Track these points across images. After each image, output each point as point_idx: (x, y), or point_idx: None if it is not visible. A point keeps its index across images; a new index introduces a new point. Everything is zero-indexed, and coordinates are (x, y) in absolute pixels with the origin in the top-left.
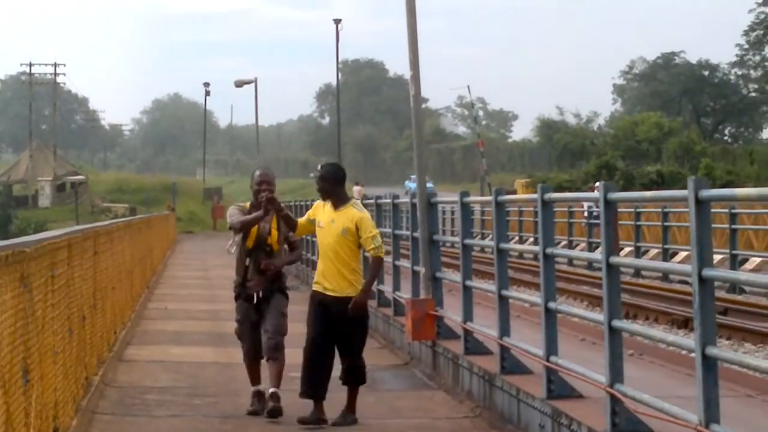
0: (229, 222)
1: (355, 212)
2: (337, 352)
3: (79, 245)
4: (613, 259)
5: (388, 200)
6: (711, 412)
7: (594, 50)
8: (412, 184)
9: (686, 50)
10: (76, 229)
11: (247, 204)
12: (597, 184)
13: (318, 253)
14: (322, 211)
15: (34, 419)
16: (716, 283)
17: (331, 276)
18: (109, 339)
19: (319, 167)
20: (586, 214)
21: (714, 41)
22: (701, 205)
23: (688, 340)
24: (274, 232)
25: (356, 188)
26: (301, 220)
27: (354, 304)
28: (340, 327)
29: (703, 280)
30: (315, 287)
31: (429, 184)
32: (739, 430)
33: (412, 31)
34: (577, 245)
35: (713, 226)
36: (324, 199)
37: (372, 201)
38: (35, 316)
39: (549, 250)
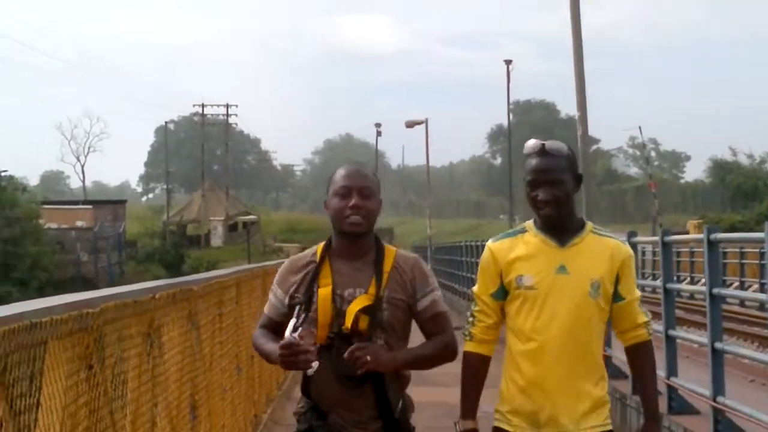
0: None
1: (612, 244)
2: None
3: (247, 284)
4: None
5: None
6: None
7: None
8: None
9: None
10: (245, 268)
11: (319, 248)
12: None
13: (513, 340)
14: (525, 257)
15: None
16: None
17: (560, 389)
18: (278, 377)
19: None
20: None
21: None
22: None
23: None
24: (361, 302)
25: None
26: (483, 302)
27: None
28: None
29: None
30: (511, 420)
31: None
32: None
33: (579, 72)
34: (750, 286)
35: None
36: (561, 218)
37: None
38: (203, 354)
39: (716, 290)
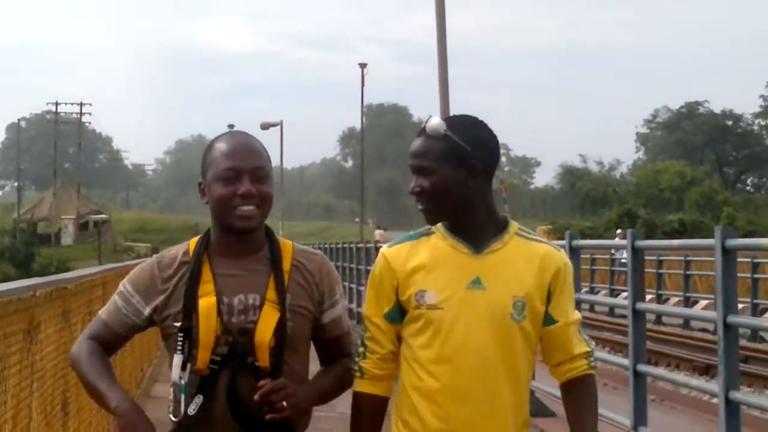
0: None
1: (543, 250)
2: None
3: (113, 283)
4: (640, 305)
5: None
6: None
7: (618, 98)
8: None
9: (710, 100)
10: (110, 267)
11: (191, 245)
12: (619, 231)
13: (409, 374)
14: (428, 267)
15: None
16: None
17: (477, 415)
18: (137, 376)
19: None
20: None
21: (737, 92)
22: (727, 253)
23: (712, 384)
24: (268, 323)
25: (378, 232)
26: (376, 327)
27: None
28: None
29: (728, 326)
30: None
31: (377, 231)
32: None
33: (443, 78)
34: (599, 291)
35: (669, 271)
36: (439, 215)
37: None
38: None
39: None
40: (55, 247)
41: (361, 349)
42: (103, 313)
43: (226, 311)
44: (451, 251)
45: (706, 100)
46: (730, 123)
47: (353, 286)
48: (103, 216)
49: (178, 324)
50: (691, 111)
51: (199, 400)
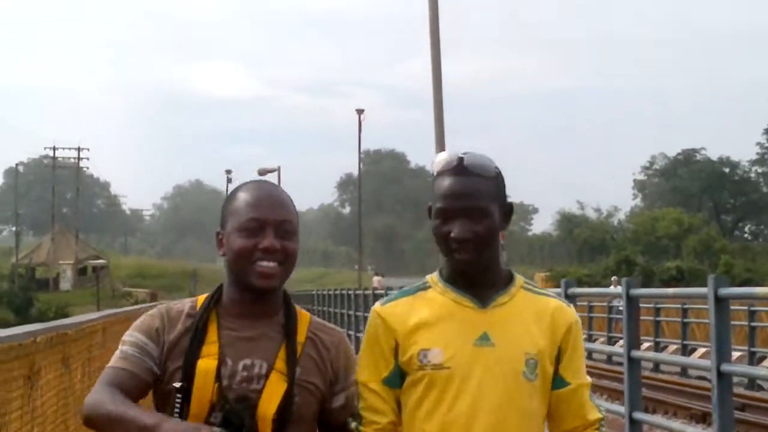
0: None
1: (552, 306)
2: None
3: (112, 328)
4: (635, 353)
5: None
6: None
7: (615, 145)
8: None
9: (707, 147)
10: (110, 313)
11: (200, 301)
12: (614, 278)
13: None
14: (430, 323)
15: None
16: (735, 380)
17: None
18: None
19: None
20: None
21: (734, 139)
22: (720, 302)
23: None
24: (273, 395)
25: (376, 278)
26: (374, 394)
27: None
28: None
29: (721, 375)
30: None
31: (375, 277)
32: None
33: (439, 124)
34: (596, 339)
35: (733, 323)
36: (479, 266)
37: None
38: (75, 396)
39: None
40: (54, 292)
41: (353, 424)
42: (113, 362)
43: (228, 375)
44: (453, 306)
45: (702, 148)
46: (727, 170)
47: (351, 332)
48: (101, 261)
49: (177, 384)
50: (688, 158)
51: None
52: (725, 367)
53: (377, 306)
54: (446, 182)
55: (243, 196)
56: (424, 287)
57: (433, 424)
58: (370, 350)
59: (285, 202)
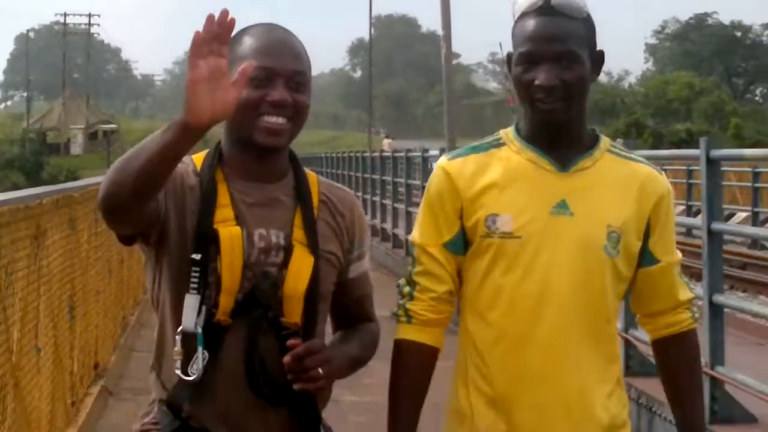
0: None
1: (643, 172)
2: None
3: None
4: (716, 226)
5: (418, 153)
6: None
7: (627, 9)
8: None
9: (719, 11)
10: None
11: (198, 160)
12: (619, 140)
13: (475, 322)
14: (502, 186)
15: (78, 353)
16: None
17: (556, 401)
18: (144, 281)
19: None
20: None
21: (747, 3)
22: (712, 164)
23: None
24: (301, 270)
25: (386, 141)
26: (431, 259)
27: None
28: None
29: (711, 233)
30: None
31: (385, 140)
32: None
33: None
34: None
35: (739, 184)
36: (567, 117)
37: (402, 154)
38: (80, 257)
39: (715, 226)
40: (65, 156)
41: (407, 289)
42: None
43: (248, 247)
44: (530, 167)
45: (714, 12)
46: (738, 34)
47: (359, 194)
48: (112, 125)
49: (196, 255)
50: (699, 22)
51: (202, 357)
52: (715, 226)
53: (443, 160)
54: (530, 23)
55: (249, 42)
56: (498, 144)
57: (499, 303)
58: (431, 210)
59: (298, 51)
